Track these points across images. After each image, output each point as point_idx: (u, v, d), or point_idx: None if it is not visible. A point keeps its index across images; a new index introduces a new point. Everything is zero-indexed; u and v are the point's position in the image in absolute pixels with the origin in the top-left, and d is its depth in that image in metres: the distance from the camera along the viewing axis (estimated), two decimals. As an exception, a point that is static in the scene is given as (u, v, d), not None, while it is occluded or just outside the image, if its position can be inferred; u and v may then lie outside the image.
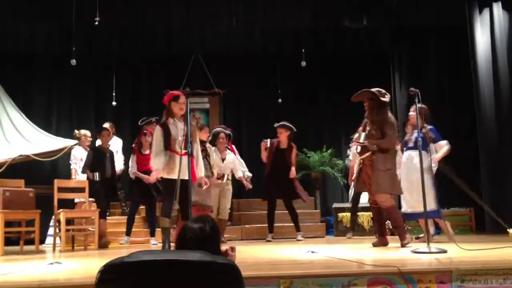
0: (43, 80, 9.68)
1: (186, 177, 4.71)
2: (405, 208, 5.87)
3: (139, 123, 7.49)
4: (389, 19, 8.30)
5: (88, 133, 7.60)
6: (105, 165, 6.85)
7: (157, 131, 5.25)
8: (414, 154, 5.71)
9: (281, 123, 7.32)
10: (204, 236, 1.96)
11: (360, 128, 5.59)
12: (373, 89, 5.51)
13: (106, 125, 7.69)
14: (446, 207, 8.06)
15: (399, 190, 5.59)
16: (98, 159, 6.82)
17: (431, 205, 5.62)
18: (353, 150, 6.59)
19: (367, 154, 5.40)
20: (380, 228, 5.59)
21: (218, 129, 7.27)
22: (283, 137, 7.19)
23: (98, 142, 7.25)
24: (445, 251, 4.17)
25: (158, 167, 5.14)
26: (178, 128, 5.18)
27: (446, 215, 7.99)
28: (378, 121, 5.39)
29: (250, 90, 10.15)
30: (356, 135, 5.72)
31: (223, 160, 6.97)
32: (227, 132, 7.21)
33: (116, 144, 8.09)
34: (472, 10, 7.78)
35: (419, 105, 6.04)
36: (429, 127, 5.98)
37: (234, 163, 7.13)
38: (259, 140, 7.31)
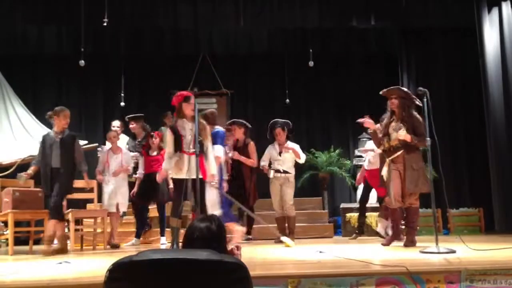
0: (51, 81, 9.72)
1: (194, 176, 4.80)
2: None
3: (125, 119, 7.51)
4: (397, 19, 8.26)
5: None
6: (51, 153, 5.67)
7: (168, 134, 5.30)
8: None
9: (232, 120, 7.24)
10: (211, 235, 1.96)
11: (392, 125, 5.30)
12: (405, 89, 5.46)
13: (116, 123, 7.68)
14: (455, 207, 8.02)
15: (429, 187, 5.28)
16: (45, 150, 5.72)
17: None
18: (375, 151, 6.37)
19: (399, 153, 5.19)
20: (398, 228, 5.43)
21: (275, 120, 7.04)
22: (238, 134, 7.00)
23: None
24: (454, 251, 4.15)
25: (166, 168, 5.22)
26: (186, 129, 5.22)
27: (455, 215, 7.96)
28: (409, 121, 5.20)
29: (257, 90, 10.14)
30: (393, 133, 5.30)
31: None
32: (281, 121, 6.96)
33: (124, 142, 8.08)
34: (481, 9, 7.74)
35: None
36: (213, 131, 5.93)
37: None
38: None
